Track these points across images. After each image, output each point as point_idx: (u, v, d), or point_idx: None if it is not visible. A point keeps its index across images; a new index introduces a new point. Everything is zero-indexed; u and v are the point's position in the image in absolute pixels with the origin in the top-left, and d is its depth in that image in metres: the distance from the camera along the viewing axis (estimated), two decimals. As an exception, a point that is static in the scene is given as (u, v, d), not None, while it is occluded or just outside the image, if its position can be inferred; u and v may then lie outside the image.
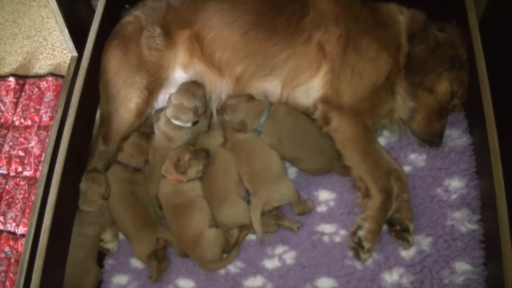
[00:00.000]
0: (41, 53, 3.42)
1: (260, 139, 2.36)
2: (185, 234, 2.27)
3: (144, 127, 2.54)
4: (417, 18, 2.35)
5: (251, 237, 2.38)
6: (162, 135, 2.43)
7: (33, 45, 3.47)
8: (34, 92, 3.21)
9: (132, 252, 2.36)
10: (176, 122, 2.41)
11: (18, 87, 3.25)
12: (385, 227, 2.22)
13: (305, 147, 2.30)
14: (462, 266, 2.10)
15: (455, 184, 2.28)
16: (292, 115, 2.34)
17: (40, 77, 3.28)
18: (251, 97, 2.35)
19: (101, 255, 2.43)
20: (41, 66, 3.36)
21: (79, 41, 2.64)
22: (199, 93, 2.40)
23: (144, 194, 2.40)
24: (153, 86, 2.45)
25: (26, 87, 3.26)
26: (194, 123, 2.43)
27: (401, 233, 2.17)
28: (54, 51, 3.41)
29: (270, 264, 2.29)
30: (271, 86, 2.35)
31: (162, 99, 2.51)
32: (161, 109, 2.51)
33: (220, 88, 2.43)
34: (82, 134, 2.39)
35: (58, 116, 2.43)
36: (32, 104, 3.17)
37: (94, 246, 2.37)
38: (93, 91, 2.50)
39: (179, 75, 2.48)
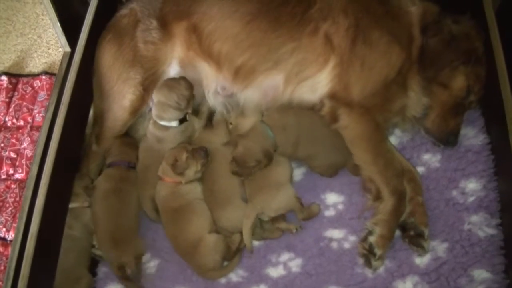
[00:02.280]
0: (35, 51, 3.32)
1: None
2: (183, 240, 2.14)
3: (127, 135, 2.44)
4: (430, 9, 2.22)
5: (254, 243, 2.24)
6: (152, 137, 2.31)
7: (27, 43, 3.36)
8: (28, 91, 3.10)
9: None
10: (162, 122, 2.28)
11: (10, 86, 3.14)
12: (398, 233, 2.12)
13: (318, 143, 2.20)
14: (481, 274, 2.00)
15: (472, 186, 2.19)
16: (293, 115, 2.23)
17: (34, 75, 3.17)
18: (241, 136, 2.21)
19: (94, 263, 2.29)
20: (35, 64, 3.26)
21: (72, 36, 2.51)
22: (177, 86, 2.25)
23: (131, 199, 2.26)
24: (149, 82, 2.32)
25: (19, 86, 3.14)
26: (182, 121, 2.31)
27: (415, 239, 2.06)
28: (49, 49, 3.30)
29: (275, 272, 2.17)
30: (273, 81, 2.22)
31: (157, 96, 2.37)
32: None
33: (217, 82, 2.30)
34: (74, 133, 2.27)
35: (49, 114, 2.29)
36: (25, 103, 3.06)
37: (84, 251, 2.23)
38: (86, 88, 2.38)
39: (175, 70, 2.36)
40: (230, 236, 2.16)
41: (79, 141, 2.35)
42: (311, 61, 2.15)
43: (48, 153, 2.06)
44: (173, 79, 2.30)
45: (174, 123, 2.29)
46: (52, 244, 2.06)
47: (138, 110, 2.35)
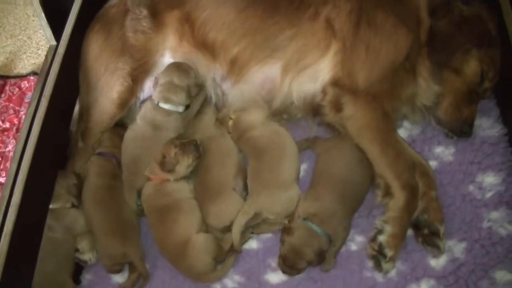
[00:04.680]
0: (25, 52, 3.25)
1: (283, 141, 2.11)
2: (170, 243, 1.98)
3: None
4: None
5: (252, 245, 2.09)
6: (146, 123, 2.15)
7: (16, 44, 3.30)
8: (15, 92, 3.02)
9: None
10: (165, 106, 2.13)
11: (-2, 87, 3.03)
12: (410, 232, 1.97)
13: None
14: (504, 276, 1.86)
15: (490, 180, 2.05)
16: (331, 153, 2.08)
17: (22, 76, 3.09)
18: (287, 233, 1.94)
19: (78, 269, 2.15)
20: (24, 66, 3.19)
21: (59, 30, 2.36)
22: (191, 72, 2.14)
23: (121, 192, 2.12)
24: (138, 73, 2.21)
25: (7, 87, 3.07)
26: (186, 108, 2.17)
27: (430, 238, 1.92)
28: (38, 49, 3.23)
29: (275, 277, 2.03)
30: (271, 70, 2.09)
31: (148, 87, 2.25)
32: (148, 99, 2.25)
33: (213, 72, 2.19)
34: (55, 127, 2.12)
35: (31, 109, 2.12)
36: (11, 105, 2.97)
37: (67, 256, 2.08)
38: (70, 81, 2.25)
39: (167, 61, 2.24)
40: (222, 237, 2.01)
41: (61, 136, 2.20)
42: (312, 47, 2.03)
43: (27, 147, 1.90)
44: (186, 64, 2.17)
45: (181, 108, 2.14)
46: (29, 245, 1.89)
47: (127, 102, 2.22)
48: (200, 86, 2.18)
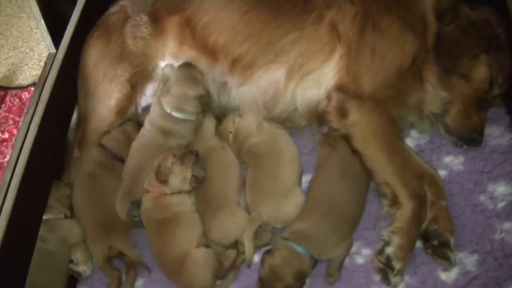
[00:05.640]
0: (27, 64, 3.25)
1: (280, 145, 2.04)
2: (168, 256, 1.90)
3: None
4: None
5: (254, 258, 1.97)
6: (156, 130, 2.09)
7: (19, 56, 3.30)
8: (15, 103, 3.02)
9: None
10: (178, 115, 2.08)
11: (-1, 98, 3.02)
12: (419, 244, 1.88)
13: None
14: None
15: (502, 189, 1.97)
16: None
17: (23, 88, 3.08)
18: (268, 253, 1.82)
19: (72, 281, 2.06)
20: (25, 77, 3.18)
21: (59, 37, 2.33)
22: (201, 78, 2.11)
23: (112, 189, 2.04)
24: (137, 79, 2.18)
25: (7, 98, 3.06)
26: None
27: (440, 250, 1.83)
28: (40, 61, 3.22)
29: None
30: (274, 76, 2.05)
31: (150, 94, 2.22)
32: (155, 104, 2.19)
33: (213, 73, 2.14)
34: (51, 134, 2.08)
35: (28, 116, 2.08)
36: (11, 116, 2.97)
37: (61, 267, 2.01)
38: (68, 88, 2.23)
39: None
40: (224, 252, 1.92)
41: (57, 144, 2.16)
42: (316, 51, 1.99)
43: (21, 154, 1.84)
44: (196, 70, 2.12)
45: (194, 117, 2.11)
46: (20, 255, 1.81)
47: (125, 110, 2.19)
48: (206, 89, 2.14)
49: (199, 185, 1.97)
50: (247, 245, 1.85)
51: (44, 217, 2.01)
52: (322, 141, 2.06)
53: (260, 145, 2.04)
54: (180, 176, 1.95)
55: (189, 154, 1.97)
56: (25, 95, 2.99)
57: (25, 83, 3.11)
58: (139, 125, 2.19)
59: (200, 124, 2.15)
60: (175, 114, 2.08)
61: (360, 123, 1.90)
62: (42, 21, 2.25)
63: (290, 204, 1.92)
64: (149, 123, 2.10)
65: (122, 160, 2.12)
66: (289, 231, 1.85)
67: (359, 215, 1.93)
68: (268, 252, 1.82)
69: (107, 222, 1.98)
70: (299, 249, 1.79)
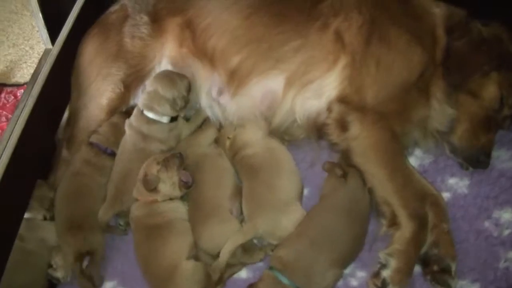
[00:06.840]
0: (25, 62, 3.20)
1: (278, 157, 1.95)
2: (155, 265, 1.79)
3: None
4: (455, 12, 2.01)
5: (242, 274, 1.89)
6: (135, 133, 2.01)
7: (18, 54, 3.25)
8: (10, 100, 2.96)
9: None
10: (149, 114, 2.01)
11: (-7, 95, 2.96)
12: (418, 268, 1.78)
13: None
14: None
15: (508, 216, 1.88)
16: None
17: (19, 85, 3.03)
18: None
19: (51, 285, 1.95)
20: (22, 75, 3.12)
21: (58, 34, 2.27)
22: (180, 84, 2.02)
23: (93, 185, 1.99)
24: (131, 79, 2.11)
25: (2, 95, 3.01)
26: (172, 120, 2.04)
27: (440, 276, 1.72)
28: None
29: None
30: (273, 83, 1.97)
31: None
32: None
33: (210, 82, 2.07)
34: (39, 131, 2.00)
35: (17, 112, 2.00)
36: (4, 113, 2.91)
37: (38, 270, 1.90)
38: (61, 85, 2.15)
39: (165, 68, 2.13)
40: (211, 263, 1.80)
41: (45, 141, 2.08)
42: (319, 60, 1.92)
43: (5, 149, 1.76)
44: (177, 74, 2.06)
45: (165, 119, 2.03)
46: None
47: (116, 110, 2.12)
48: (187, 101, 2.05)
49: (188, 189, 1.89)
50: (224, 253, 1.74)
51: (26, 215, 1.92)
52: (330, 170, 1.90)
53: (255, 157, 1.95)
54: (168, 182, 1.86)
55: (172, 158, 1.89)
56: (21, 92, 2.93)
57: (22, 81, 3.05)
58: (126, 114, 2.11)
59: (202, 132, 2.09)
60: (146, 112, 2.02)
61: (361, 136, 1.81)
62: (40, 15, 2.20)
63: (288, 219, 1.80)
64: (128, 127, 2.04)
65: (113, 155, 2.04)
66: (275, 259, 1.72)
67: (356, 253, 1.81)
68: (252, 285, 1.70)
69: (84, 222, 1.89)
70: (284, 280, 1.67)
